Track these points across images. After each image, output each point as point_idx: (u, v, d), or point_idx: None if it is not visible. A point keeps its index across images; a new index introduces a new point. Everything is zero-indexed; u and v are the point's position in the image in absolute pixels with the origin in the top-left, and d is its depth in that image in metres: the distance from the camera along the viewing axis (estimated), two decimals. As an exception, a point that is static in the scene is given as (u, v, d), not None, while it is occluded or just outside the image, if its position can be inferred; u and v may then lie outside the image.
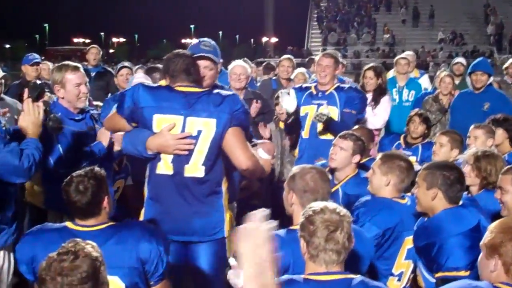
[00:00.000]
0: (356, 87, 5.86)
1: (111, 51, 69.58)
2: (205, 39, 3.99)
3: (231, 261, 3.06)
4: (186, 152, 3.45)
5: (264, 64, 9.75)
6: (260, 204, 5.34)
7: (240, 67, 6.18)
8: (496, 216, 3.32)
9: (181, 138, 3.43)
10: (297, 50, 40.63)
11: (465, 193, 3.74)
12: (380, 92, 6.71)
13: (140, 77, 5.03)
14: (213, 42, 3.94)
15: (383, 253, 3.61)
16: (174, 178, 3.51)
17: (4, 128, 3.80)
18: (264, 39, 62.86)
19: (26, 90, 3.71)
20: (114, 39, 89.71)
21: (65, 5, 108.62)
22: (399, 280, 3.72)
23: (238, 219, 3.80)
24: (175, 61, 3.61)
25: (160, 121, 3.47)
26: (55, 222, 3.24)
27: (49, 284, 2.06)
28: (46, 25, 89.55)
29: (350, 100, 5.39)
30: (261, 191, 5.45)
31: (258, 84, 8.66)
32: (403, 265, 3.71)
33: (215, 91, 3.59)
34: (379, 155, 3.91)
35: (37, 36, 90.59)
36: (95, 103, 5.74)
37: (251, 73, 6.70)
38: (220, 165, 3.58)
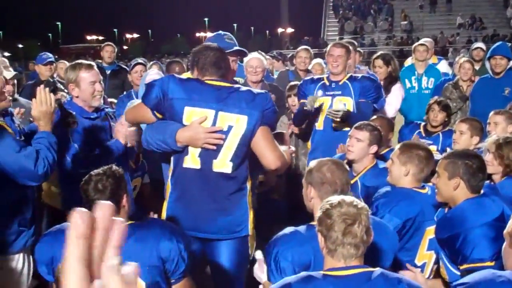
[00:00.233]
0: (369, 76, 5.75)
1: (125, 47, 69.92)
2: (221, 32, 3.98)
3: (257, 255, 3.05)
4: (215, 147, 3.41)
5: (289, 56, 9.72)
6: (280, 198, 5.38)
7: (256, 60, 6.14)
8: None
9: (212, 132, 3.39)
10: (314, 40, 40.47)
11: (488, 181, 3.68)
12: (390, 80, 6.61)
13: (153, 73, 5.00)
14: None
15: (404, 244, 3.56)
16: (201, 172, 3.46)
17: (18, 129, 3.80)
18: (280, 30, 62.66)
19: (47, 89, 3.69)
20: (128, 35, 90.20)
21: (77, 2, 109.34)
22: (422, 271, 3.66)
23: (258, 214, 3.78)
24: (206, 54, 3.55)
25: (190, 114, 3.42)
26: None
27: None
28: (59, 23, 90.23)
29: (365, 90, 5.29)
30: (279, 185, 5.42)
31: (275, 76, 8.61)
32: (425, 256, 3.66)
33: (245, 88, 3.57)
34: (398, 145, 3.86)
35: (50, 35, 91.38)
36: (109, 100, 5.74)
37: (267, 66, 6.66)
38: (246, 163, 3.54)
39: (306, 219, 3.01)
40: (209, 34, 4.02)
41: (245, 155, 3.50)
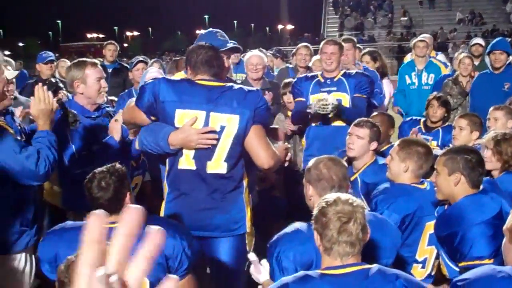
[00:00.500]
0: (363, 72, 5.75)
1: (125, 45, 69.86)
2: (213, 29, 3.96)
3: (251, 256, 3.05)
4: (209, 146, 3.41)
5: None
6: (280, 195, 5.38)
7: (256, 57, 6.15)
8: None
9: (205, 133, 3.39)
10: (313, 36, 40.38)
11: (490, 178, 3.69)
12: (379, 75, 6.69)
13: (153, 71, 5.00)
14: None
15: (404, 240, 3.57)
16: (196, 173, 3.47)
17: (19, 128, 3.80)
18: (280, 26, 62.55)
19: (45, 87, 3.69)
20: (128, 33, 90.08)
21: (77, 0, 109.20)
22: (423, 267, 3.68)
23: (258, 211, 3.79)
24: (198, 52, 3.55)
25: (182, 116, 3.42)
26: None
27: (68, 286, 2.06)
28: (59, 21, 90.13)
29: (359, 85, 5.28)
30: (279, 182, 5.42)
31: (275, 73, 8.60)
32: (426, 251, 3.67)
33: (237, 86, 3.55)
34: (398, 141, 3.87)
35: (50, 33, 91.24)
36: (110, 98, 5.75)
37: (267, 63, 6.66)
38: (242, 161, 3.54)
39: (306, 216, 3.01)
40: (220, 31, 3.99)
41: (240, 154, 3.50)
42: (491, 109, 4.98)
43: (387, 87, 6.72)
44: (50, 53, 8.04)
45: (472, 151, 3.40)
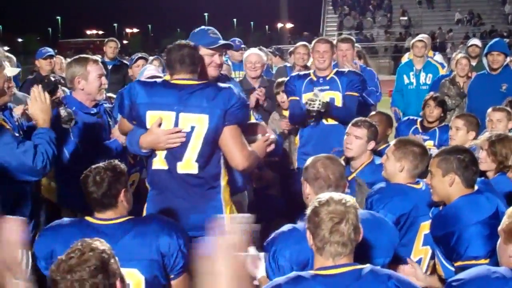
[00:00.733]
0: (355, 70, 5.73)
1: (124, 42, 69.81)
2: (204, 27, 3.96)
3: (251, 250, 3.05)
4: (178, 144, 3.40)
5: None
6: (277, 193, 5.38)
7: (255, 56, 6.16)
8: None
9: (173, 133, 3.39)
10: (311, 35, 40.34)
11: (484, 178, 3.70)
12: None
13: (151, 69, 5.01)
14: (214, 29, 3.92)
15: (400, 240, 3.57)
16: (169, 173, 3.50)
17: (17, 123, 3.81)
18: (279, 25, 62.50)
19: (40, 86, 3.71)
20: (128, 30, 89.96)
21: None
22: (418, 267, 3.69)
23: (254, 210, 3.78)
24: (173, 52, 3.53)
25: (153, 118, 3.43)
26: (69, 219, 3.26)
27: (61, 284, 2.07)
28: (58, 18, 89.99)
29: (351, 84, 5.28)
30: (276, 181, 5.42)
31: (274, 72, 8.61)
32: (421, 251, 3.68)
33: (212, 84, 3.50)
34: (393, 141, 3.87)
35: (49, 29, 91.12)
36: (108, 94, 5.75)
37: (266, 61, 6.66)
38: (216, 160, 3.51)
39: (302, 215, 3.01)
40: (212, 29, 3.98)
41: (212, 155, 3.47)
42: (489, 110, 4.99)
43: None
44: (49, 49, 8.05)
45: (464, 151, 3.41)
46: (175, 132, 3.39)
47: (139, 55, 7.06)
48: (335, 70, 5.45)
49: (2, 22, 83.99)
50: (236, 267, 0.78)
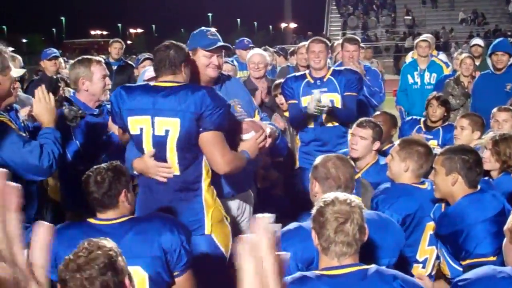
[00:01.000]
0: (351, 68, 5.67)
1: (129, 42, 69.85)
2: (204, 28, 3.96)
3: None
4: (165, 180, 3.46)
5: None
6: (281, 193, 5.39)
7: (258, 56, 6.16)
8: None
9: (163, 167, 3.44)
10: (314, 35, 40.31)
11: (486, 178, 3.70)
12: None
13: (151, 70, 4.99)
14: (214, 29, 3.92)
15: (405, 240, 3.58)
16: None
17: (23, 124, 3.82)
18: (283, 25, 62.41)
19: (43, 86, 3.73)
20: (132, 30, 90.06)
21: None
22: (423, 267, 3.69)
23: (259, 210, 3.78)
24: (156, 53, 3.54)
25: (133, 123, 3.46)
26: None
27: (70, 283, 2.08)
28: (63, 18, 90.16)
29: (349, 83, 5.26)
30: (280, 181, 5.42)
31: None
32: (426, 251, 3.68)
33: (186, 86, 3.44)
34: (398, 141, 3.87)
35: (54, 29, 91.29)
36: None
37: (270, 61, 6.65)
38: (198, 162, 3.50)
39: (307, 215, 3.02)
40: (212, 30, 3.99)
41: (192, 157, 3.46)
42: (495, 109, 4.98)
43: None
44: (54, 50, 8.08)
45: (470, 151, 3.41)
46: (166, 167, 3.44)
47: (146, 55, 7.06)
48: (331, 69, 5.42)
49: (7, 23, 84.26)
50: (261, 268, 0.78)
